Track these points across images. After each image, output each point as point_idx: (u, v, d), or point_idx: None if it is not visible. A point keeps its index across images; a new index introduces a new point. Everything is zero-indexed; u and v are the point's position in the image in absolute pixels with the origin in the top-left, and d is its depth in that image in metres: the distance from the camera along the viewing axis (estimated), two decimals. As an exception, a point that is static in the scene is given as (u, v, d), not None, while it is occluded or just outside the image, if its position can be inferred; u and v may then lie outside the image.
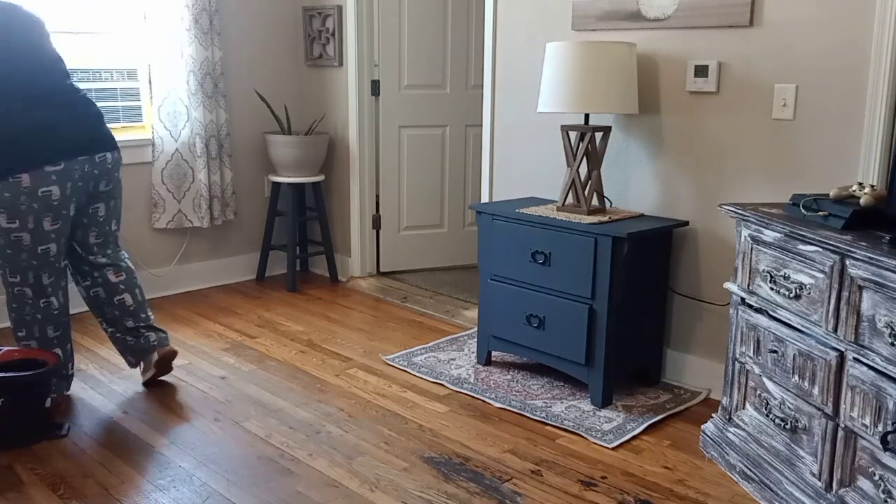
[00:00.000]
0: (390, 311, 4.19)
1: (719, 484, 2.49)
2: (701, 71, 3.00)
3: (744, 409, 2.53)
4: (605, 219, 3.02)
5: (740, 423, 2.54)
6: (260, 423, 2.84)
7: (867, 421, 1.97)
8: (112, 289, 3.03)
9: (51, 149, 2.70)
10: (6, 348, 2.81)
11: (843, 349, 2.06)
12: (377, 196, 4.75)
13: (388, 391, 3.15)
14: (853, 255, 1.99)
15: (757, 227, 2.40)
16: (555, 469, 2.56)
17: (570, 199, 3.18)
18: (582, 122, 3.17)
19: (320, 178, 4.59)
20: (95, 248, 3.00)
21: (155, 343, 3.09)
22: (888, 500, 1.92)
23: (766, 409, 2.40)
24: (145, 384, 3.14)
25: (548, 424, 2.87)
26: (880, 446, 1.93)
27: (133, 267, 3.13)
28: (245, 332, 3.81)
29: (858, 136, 2.65)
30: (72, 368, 3.00)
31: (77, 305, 4.00)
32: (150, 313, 3.12)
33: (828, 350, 2.12)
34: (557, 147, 3.45)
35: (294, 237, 4.53)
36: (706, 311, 3.14)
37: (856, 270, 2.00)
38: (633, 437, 2.77)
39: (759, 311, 2.43)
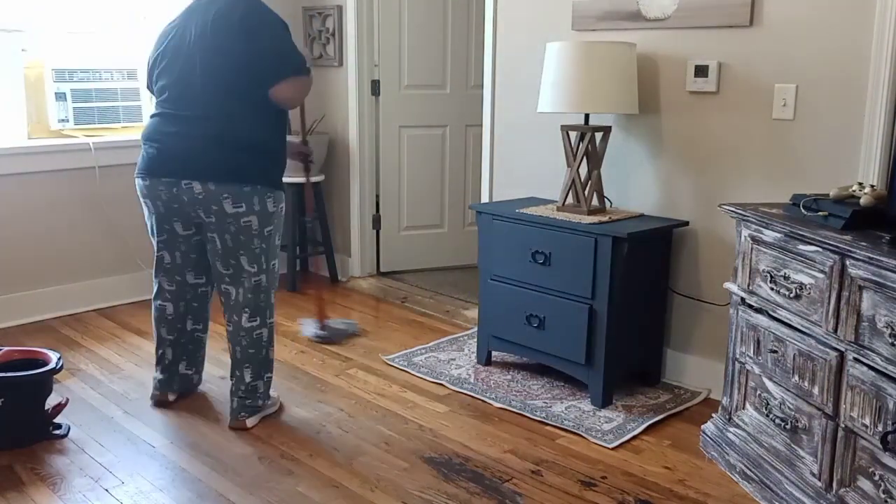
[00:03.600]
0: (390, 311, 4.19)
1: (719, 484, 2.49)
2: (701, 71, 3.00)
3: (744, 409, 2.53)
4: (605, 219, 3.02)
5: (740, 423, 2.54)
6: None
7: (867, 421, 1.97)
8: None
9: (143, 161, 2.69)
10: (6, 348, 2.81)
11: (843, 349, 2.06)
12: (377, 196, 4.75)
13: (388, 391, 3.15)
14: (853, 255, 1.99)
15: (757, 227, 2.40)
16: (555, 469, 2.56)
17: (570, 199, 3.18)
18: (582, 122, 3.17)
19: (320, 178, 4.59)
20: (224, 286, 2.76)
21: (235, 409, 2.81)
22: (888, 500, 1.92)
23: (766, 409, 2.40)
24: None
25: (548, 424, 2.87)
26: (880, 446, 1.93)
27: (255, 328, 2.76)
28: (245, 332, 3.81)
29: (858, 136, 2.65)
30: (162, 374, 2.95)
31: (75, 305, 4.01)
32: (247, 376, 2.78)
33: (828, 350, 2.11)
34: (557, 147, 3.45)
35: (294, 237, 4.53)
36: (706, 311, 3.14)
37: (856, 270, 2.00)
38: (633, 437, 2.77)
39: (759, 311, 2.43)
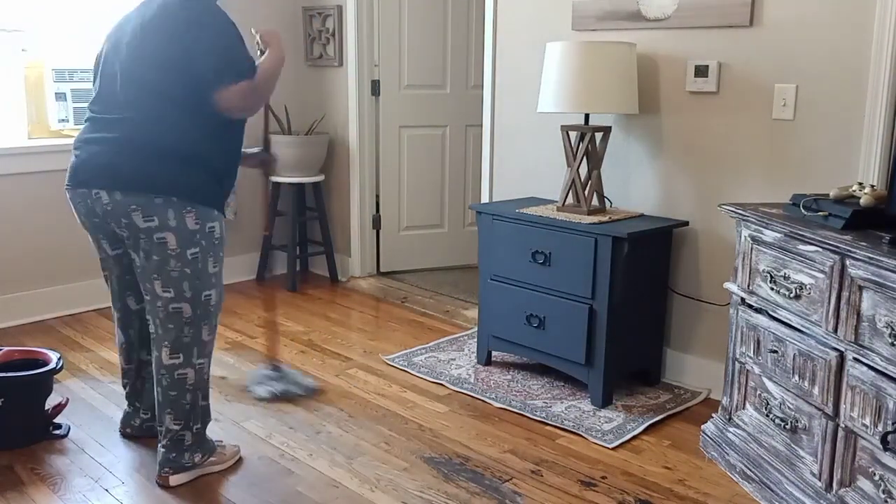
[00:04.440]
0: (390, 311, 4.19)
1: (719, 484, 2.49)
2: (701, 71, 3.00)
3: (744, 409, 2.53)
4: (605, 219, 3.02)
5: (740, 423, 2.54)
6: (260, 423, 2.84)
7: (867, 421, 1.97)
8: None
9: (70, 169, 2.39)
10: (6, 348, 2.81)
11: (843, 349, 2.06)
12: (377, 196, 4.75)
13: (388, 391, 3.15)
14: (853, 255, 1.99)
15: (757, 227, 2.40)
16: (555, 469, 2.56)
17: (570, 199, 3.18)
18: (582, 122, 3.17)
19: (320, 178, 4.59)
20: (147, 315, 2.41)
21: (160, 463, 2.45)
22: (888, 500, 1.92)
23: (766, 409, 2.40)
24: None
25: (548, 424, 2.87)
26: (880, 446, 1.93)
27: (176, 366, 2.38)
28: (245, 332, 3.81)
29: (858, 136, 2.65)
30: (131, 409, 2.70)
31: (75, 305, 4.01)
32: (169, 423, 2.41)
33: (828, 350, 2.11)
34: (557, 147, 3.45)
35: (294, 237, 4.53)
36: (706, 311, 3.14)
37: (856, 270, 2.00)
38: (633, 437, 2.77)
39: (759, 311, 2.43)
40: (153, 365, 2.41)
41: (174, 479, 2.41)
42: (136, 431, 2.72)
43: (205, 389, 2.46)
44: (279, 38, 2.50)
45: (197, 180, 2.32)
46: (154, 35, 2.28)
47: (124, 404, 2.73)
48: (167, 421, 2.40)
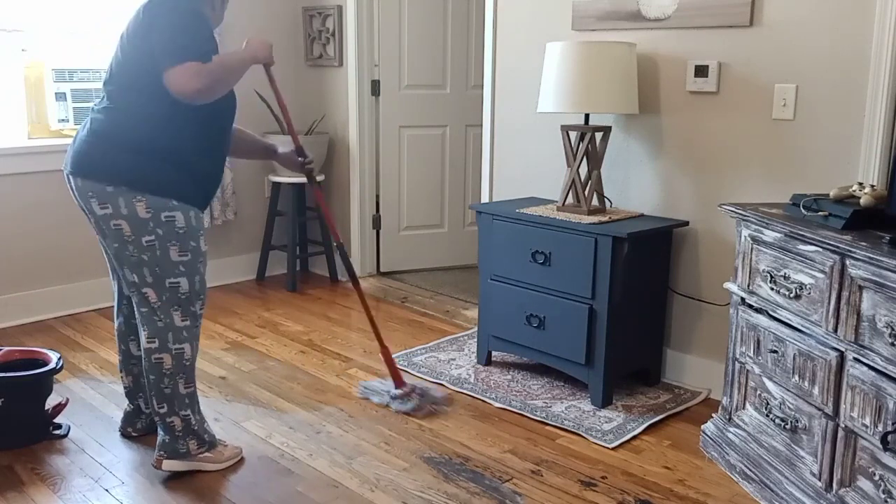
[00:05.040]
0: (390, 311, 4.19)
1: (719, 484, 2.49)
2: (701, 71, 3.00)
3: (744, 409, 2.53)
4: (605, 219, 3.02)
5: (740, 423, 2.54)
6: (260, 423, 2.84)
7: (867, 421, 1.97)
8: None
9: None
10: (6, 348, 2.81)
11: (843, 349, 2.06)
12: (377, 196, 4.75)
13: (388, 391, 3.15)
14: (853, 255, 1.99)
15: (757, 227, 2.40)
16: (555, 469, 2.56)
17: (570, 199, 3.18)
18: (582, 122, 3.17)
19: (320, 178, 4.59)
20: (132, 290, 2.43)
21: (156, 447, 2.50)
22: (888, 500, 1.92)
23: (766, 409, 2.40)
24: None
25: (548, 424, 2.87)
26: (880, 446, 1.93)
27: (153, 350, 2.40)
28: (245, 332, 3.81)
29: (858, 136, 2.65)
30: (132, 408, 2.72)
31: (75, 305, 4.01)
32: (156, 405, 2.45)
33: (828, 350, 2.11)
34: (557, 147, 3.45)
35: (294, 237, 4.53)
36: (706, 311, 3.14)
37: (856, 270, 2.00)
38: (633, 437, 2.77)
39: (759, 311, 2.43)
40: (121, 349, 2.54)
41: (167, 464, 2.43)
42: (139, 430, 2.72)
43: (188, 375, 2.44)
44: (259, 43, 2.57)
45: (149, 169, 2.31)
46: (133, 26, 2.34)
47: (124, 404, 2.73)
48: (154, 405, 2.44)
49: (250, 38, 2.59)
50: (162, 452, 2.44)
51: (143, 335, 2.41)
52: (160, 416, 2.44)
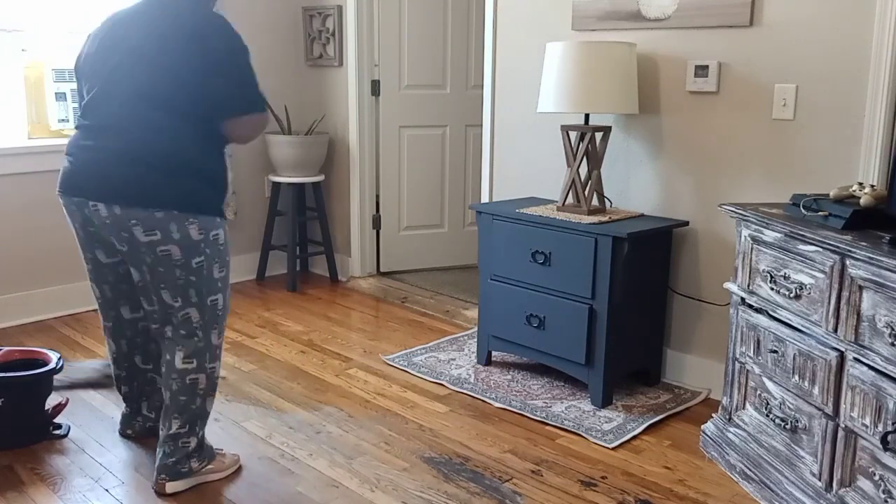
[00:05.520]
0: (390, 311, 4.19)
1: (719, 484, 2.49)
2: (701, 71, 3.00)
3: (744, 409, 2.53)
4: (605, 219, 3.02)
5: (740, 423, 2.54)
6: (260, 423, 2.84)
7: (867, 421, 1.97)
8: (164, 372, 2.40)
9: (60, 176, 2.33)
10: (6, 348, 2.81)
11: (843, 349, 2.06)
12: (377, 196, 4.75)
13: (388, 391, 3.15)
14: (853, 255, 1.99)
15: (757, 227, 2.40)
16: (555, 469, 2.56)
17: (570, 199, 3.18)
18: (582, 122, 3.17)
19: (320, 178, 4.59)
20: (153, 325, 2.40)
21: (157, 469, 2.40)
22: (888, 500, 1.92)
23: (766, 409, 2.40)
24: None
25: (548, 424, 2.87)
26: (880, 446, 1.93)
27: (189, 371, 2.35)
28: (245, 332, 3.81)
29: (858, 136, 2.65)
30: (130, 411, 2.70)
31: (75, 305, 4.01)
32: (175, 426, 2.37)
33: (828, 350, 2.11)
34: (557, 147, 3.45)
35: (294, 237, 4.53)
36: (706, 311, 3.14)
37: (856, 270, 2.00)
38: (633, 437, 2.77)
39: (759, 311, 2.43)
40: (163, 368, 2.36)
41: (171, 486, 2.37)
42: (138, 432, 2.72)
43: (213, 393, 2.44)
44: None
45: (197, 190, 2.26)
46: (157, 43, 2.20)
47: (123, 405, 2.73)
48: (174, 426, 2.36)
49: None
50: (164, 476, 2.37)
51: (177, 356, 2.33)
52: (174, 437, 2.36)
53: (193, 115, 2.23)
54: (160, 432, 2.40)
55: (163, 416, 2.39)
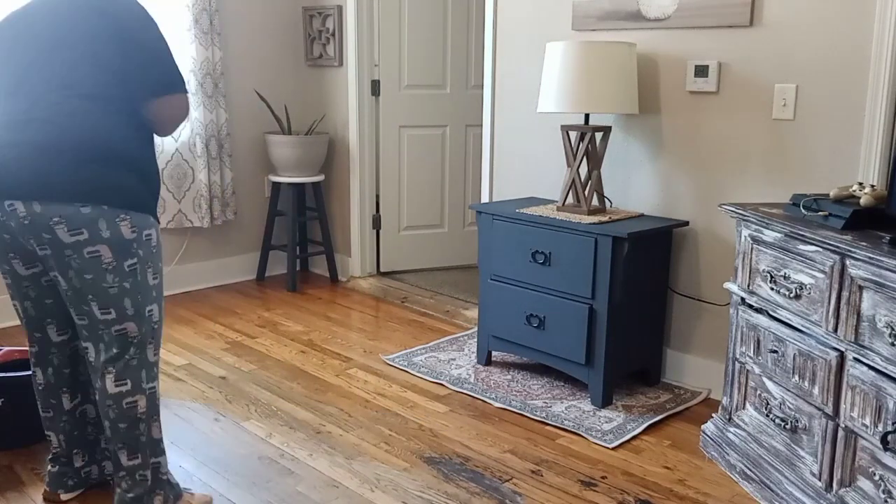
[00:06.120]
0: (390, 311, 4.19)
1: (719, 484, 2.49)
2: (701, 71, 3.00)
3: (744, 409, 2.53)
4: (605, 219, 3.02)
5: (740, 423, 2.54)
6: (260, 423, 2.84)
7: (867, 421, 1.97)
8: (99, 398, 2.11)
9: None
10: (6, 348, 2.81)
11: (843, 349, 2.06)
12: (377, 196, 4.75)
13: (388, 391, 3.15)
14: (853, 255, 1.99)
15: (757, 227, 2.40)
16: (555, 469, 2.56)
17: (570, 199, 3.18)
18: (582, 122, 3.17)
19: (320, 178, 4.59)
20: (83, 342, 2.11)
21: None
22: (888, 500, 1.92)
23: (766, 409, 2.40)
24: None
25: (548, 424, 2.87)
26: (880, 446, 1.93)
27: (124, 394, 2.07)
28: (245, 332, 3.81)
29: (858, 136, 2.65)
30: (58, 468, 2.30)
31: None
32: (124, 459, 2.11)
33: (828, 350, 2.11)
34: (557, 147, 3.45)
35: (294, 237, 4.53)
36: (706, 311, 3.14)
37: (856, 270, 2.00)
38: (633, 437, 2.77)
39: (759, 311, 2.43)
40: (97, 397, 2.09)
41: None
42: (73, 488, 2.32)
43: (156, 417, 2.15)
44: None
45: (129, 184, 2.01)
46: (70, 27, 2.01)
47: (48, 461, 2.36)
48: (123, 459, 2.10)
49: None
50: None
51: (107, 380, 2.05)
52: (129, 472, 2.11)
53: (118, 99, 2.02)
54: (110, 470, 2.20)
55: (110, 450, 2.14)
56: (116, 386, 2.06)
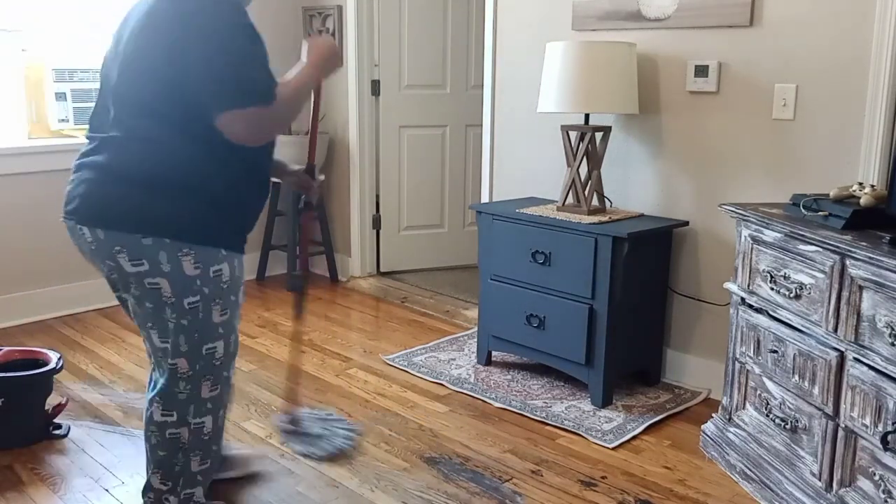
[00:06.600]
0: (390, 311, 4.19)
1: (719, 484, 2.49)
2: (701, 71, 3.00)
3: (744, 409, 2.53)
4: (605, 219, 3.02)
5: (740, 423, 2.54)
6: (260, 423, 2.84)
7: (867, 421, 1.97)
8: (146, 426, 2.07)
9: (65, 195, 1.99)
10: (6, 348, 2.81)
11: (843, 349, 2.06)
12: (377, 196, 4.75)
13: (388, 391, 3.15)
14: (853, 255, 1.99)
15: (757, 227, 2.40)
16: (555, 469, 2.56)
17: (570, 199, 3.18)
18: (582, 122, 3.17)
19: (320, 178, 4.58)
20: (159, 357, 2.03)
21: None
22: (888, 500, 1.92)
23: (766, 409, 2.40)
24: None
25: (548, 424, 2.87)
26: (880, 446, 1.93)
27: (168, 425, 2.03)
28: (245, 332, 3.81)
29: (858, 136, 2.65)
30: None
31: (75, 305, 4.01)
32: (155, 482, 2.08)
33: (828, 350, 2.11)
34: (557, 147, 3.45)
35: (294, 237, 4.53)
36: (706, 311, 3.14)
37: (856, 270, 2.00)
38: (633, 437, 2.77)
39: (759, 311, 2.43)
40: (144, 419, 2.06)
41: None
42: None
43: (205, 451, 2.08)
44: (323, 50, 2.07)
45: (195, 215, 1.89)
46: (145, 36, 1.85)
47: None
48: (154, 481, 2.07)
49: (313, 40, 2.08)
50: None
51: (154, 407, 2.02)
52: (156, 495, 2.07)
53: (187, 123, 1.84)
54: (143, 485, 2.13)
55: (146, 467, 2.11)
56: (162, 416, 2.02)
